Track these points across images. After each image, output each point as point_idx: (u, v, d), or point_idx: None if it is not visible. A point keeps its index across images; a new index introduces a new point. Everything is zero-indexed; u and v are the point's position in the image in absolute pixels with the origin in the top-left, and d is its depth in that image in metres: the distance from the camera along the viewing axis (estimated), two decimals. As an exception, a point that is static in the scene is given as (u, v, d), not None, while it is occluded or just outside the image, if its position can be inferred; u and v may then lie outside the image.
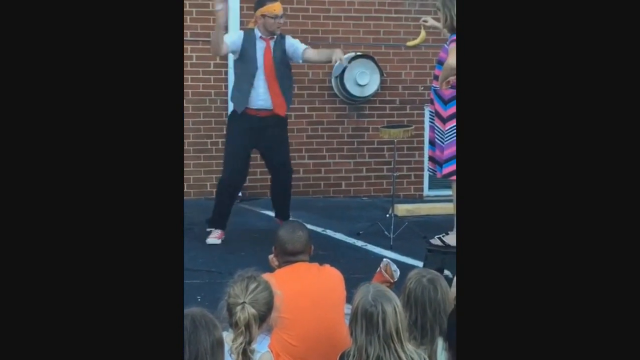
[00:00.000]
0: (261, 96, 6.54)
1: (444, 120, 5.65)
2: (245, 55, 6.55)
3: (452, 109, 5.56)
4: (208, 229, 6.71)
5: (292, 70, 8.51)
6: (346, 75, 8.45)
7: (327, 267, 4.01)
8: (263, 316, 3.18)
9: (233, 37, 6.63)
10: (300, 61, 6.77)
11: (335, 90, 8.65)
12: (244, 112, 6.58)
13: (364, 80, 8.50)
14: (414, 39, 6.76)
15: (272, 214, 7.10)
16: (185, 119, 8.31)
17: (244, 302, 3.12)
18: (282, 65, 6.61)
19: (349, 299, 4.06)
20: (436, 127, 5.75)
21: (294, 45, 6.67)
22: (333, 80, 8.61)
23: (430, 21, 6.39)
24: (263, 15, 6.50)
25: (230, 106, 7.84)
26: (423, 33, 6.42)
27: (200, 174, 8.12)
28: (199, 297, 5.07)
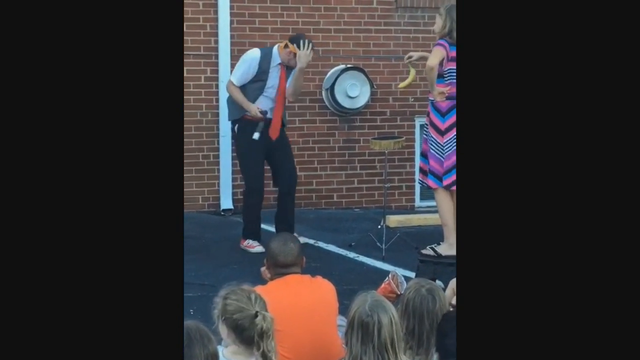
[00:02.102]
0: (269, 103, 6.62)
1: (442, 133, 5.67)
2: (262, 75, 6.63)
3: (451, 120, 5.59)
4: (244, 241, 6.81)
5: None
6: (337, 87, 8.48)
7: (319, 278, 4.02)
8: None
9: (242, 75, 6.70)
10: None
11: (326, 102, 8.66)
12: (243, 118, 6.63)
13: (355, 92, 8.52)
14: (403, 80, 6.83)
15: (264, 226, 7.08)
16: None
17: (258, 311, 3.07)
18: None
19: (342, 311, 4.08)
20: (431, 139, 5.77)
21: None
22: (324, 92, 8.63)
23: (415, 55, 6.41)
24: (292, 52, 6.60)
25: (222, 119, 7.89)
26: (412, 72, 6.47)
27: (192, 187, 8.12)
28: (191, 310, 5.07)
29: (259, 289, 3.74)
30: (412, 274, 5.55)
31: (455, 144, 5.49)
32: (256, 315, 3.05)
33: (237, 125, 6.76)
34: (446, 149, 5.66)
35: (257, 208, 6.81)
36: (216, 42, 8.14)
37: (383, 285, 4.23)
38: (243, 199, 6.99)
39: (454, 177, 5.48)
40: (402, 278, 4.26)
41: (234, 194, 8.19)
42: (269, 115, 6.61)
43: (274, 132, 6.67)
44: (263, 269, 4.03)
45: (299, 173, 8.55)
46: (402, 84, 6.82)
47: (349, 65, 8.56)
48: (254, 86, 6.65)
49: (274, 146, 6.71)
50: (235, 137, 6.92)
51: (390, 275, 4.23)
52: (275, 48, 6.73)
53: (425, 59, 6.03)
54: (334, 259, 6.73)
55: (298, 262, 3.96)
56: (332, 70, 8.63)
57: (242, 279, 3.74)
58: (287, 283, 3.90)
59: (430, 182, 5.87)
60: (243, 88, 6.67)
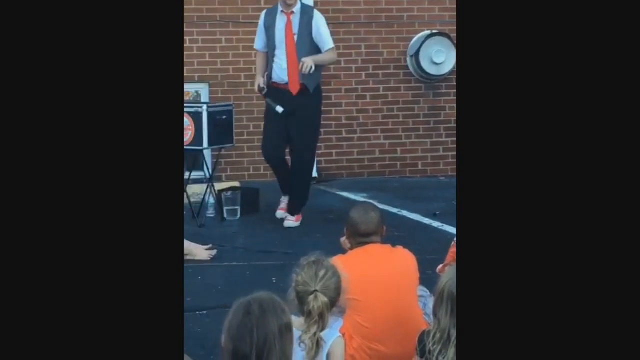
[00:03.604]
0: (282, 70, 6.45)
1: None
2: (268, 32, 6.51)
3: None
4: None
5: (368, 50, 8.49)
6: (422, 53, 8.36)
7: (400, 248, 3.97)
8: (333, 302, 3.15)
9: (259, 39, 6.65)
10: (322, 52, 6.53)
11: (411, 69, 8.56)
12: (271, 85, 6.52)
13: (440, 58, 8.39)
14: None
15: (348, 195, 7.05)
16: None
17: (316, 291, 3.08)
18: (306, 42, 6.44)
19: (424, 281, 4.03)
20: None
21: (322, 35, 6.47)
22: (408, 59, 8.52)
23: None
24: None
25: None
26: None
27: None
28: (274, 278, 5.09)
29: (339, 258, 3.72)
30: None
31: None
32: (311, 294, 3.06)
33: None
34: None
35: (280, 178, 6.71)
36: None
37: (451, 250, 4.15)
38: None
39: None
40: None
41: (318, 162, 8.17)
42: (264, 93, 6.52)
43: (293, 86, 6.44)
44: (343, 239, 4.00)
45: (383, 141, 8.54)
46: None
47: (434, 31, 8.42)
48: (270, 53, 6.53)
49: (293, 114, 6.45)
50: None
51: (454, 240, 4.14)
52: (279, 1, 6.52)
53: None
54: (418, 228, 6.67)
55: (378, 231, 3.91)
56: (417, 37, 8.51)
57: (325, 248, 3.72)
58: (366, 253, 3.86)
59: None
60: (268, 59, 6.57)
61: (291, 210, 6.69)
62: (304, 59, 6.28)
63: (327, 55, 6.52)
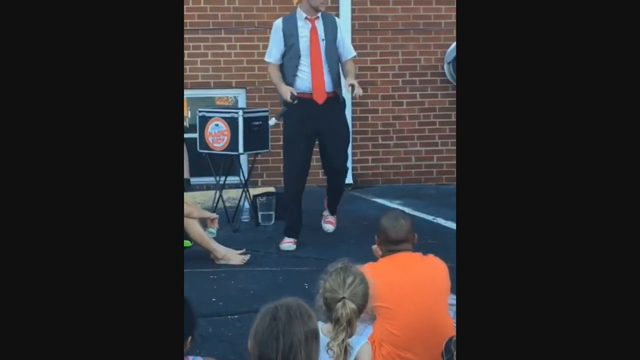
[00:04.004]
0: (305, 80, 6.05)
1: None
2: (289, 41, 6.06)
3: None
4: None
5: (405, 57, 8.43)
6: (459, 61, 8.33)
7: (431, 256, 3.96)
8: (361, 308, 3.15)
9: (274, 50, 6.17)
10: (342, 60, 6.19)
11: (448, 76, 8.53)
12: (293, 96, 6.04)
13: (478, 65, 8.35)
14: None
15: (383, 201, 7.04)
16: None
17: (344, 298, 3.07)
18: (332, 48, 6.09)
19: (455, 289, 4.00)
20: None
21: (345, 43, 6.21)
22: (445, 66, 8.49)
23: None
24: None
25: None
26: None
27: (313, 161, 8.14)
28: (306, 284, 5.09)
29: (370, 265, 3.72)
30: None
31: None
32: (339, 301, 3.04)
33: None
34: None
35: (295, 202, 6.24)
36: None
37: None
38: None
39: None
40: None
41: (353, 168, 8.17)
42: (300, 90, 6.02)
43: (319, 96, 6.04)
44: (374, 246, 3.99)
45: (419, 148, 8.51)
46: None
47: (472, 38, 8.39)
48: (291, 63, 6.08)
49: (324, 124, 6.09)
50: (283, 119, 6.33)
51: None
52: (298, 8, 6.11)
53: None
54: (453, 236, 6.61)
55: (409, 238, 3.91)
56: (454, 44, 8.48)
57: (358, 255, 3.72)
58: (397, 261, 3.86)
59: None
60: (283, 68, 6.15)
61: (332, 210, 6.58)
62: (353, 83, 5.90)
63: (353, 67, 6.25)
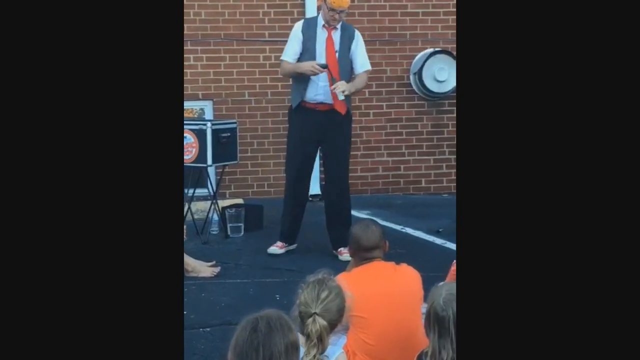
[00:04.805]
0: (320, 90, 6.03)
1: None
2: (306, 45, 6.07)
3: None
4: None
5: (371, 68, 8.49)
6: (425, 71, 8.39)
7: (404, 266, 3.98)
8: (334, 323, 3.12)
9: (290, 50, 6.15)
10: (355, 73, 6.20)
11: (414, 87, 8.59)
12: (300, 105, 6.09)
13: (443, 76, 8.42)
14: None
15: (352, 212, 7.03)
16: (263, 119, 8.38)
17: (315, 313, 3.03)
18: (346, 59, 6.09)
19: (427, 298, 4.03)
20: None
21: (361, 56, 6.16)
22: (412, 76, 8.56)
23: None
24: (325, 1, 5.99)
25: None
26: None
27: (280, 172, 8.17)
28: (277, 296, 5.10)
29: (343, 275, 3.74)
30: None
31: None
32: (311, 316, 3.02)
33: (288, 115, 6.30)
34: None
35: (293, 207, 6.25)
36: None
37: (452, 269, 4.15)
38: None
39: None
40: None
41: (321, 179, 8.19)
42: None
43: (340, 106, 6.02)
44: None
45: (386, 158, 8.56)
46: None
47: (437, 49, 8.46)
48: (304, 58, 6.05)
49: (328, 138, 6.10)
50: (289, 124, 6.31)
51: (455, 260, 4.15)
52: (320, 13, 6.13)
53: None
54: (421, 245, 6.68)
55: (381, 245, 3.94)
56: (420, 55, 8.55)
57: (328, 265, 3.73)
58: (370, 270, 3.88)
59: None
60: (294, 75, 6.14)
61: (340, 244, 6.12)
62: (340, 83, 5.90)
63: (363, 79, 6.19)
